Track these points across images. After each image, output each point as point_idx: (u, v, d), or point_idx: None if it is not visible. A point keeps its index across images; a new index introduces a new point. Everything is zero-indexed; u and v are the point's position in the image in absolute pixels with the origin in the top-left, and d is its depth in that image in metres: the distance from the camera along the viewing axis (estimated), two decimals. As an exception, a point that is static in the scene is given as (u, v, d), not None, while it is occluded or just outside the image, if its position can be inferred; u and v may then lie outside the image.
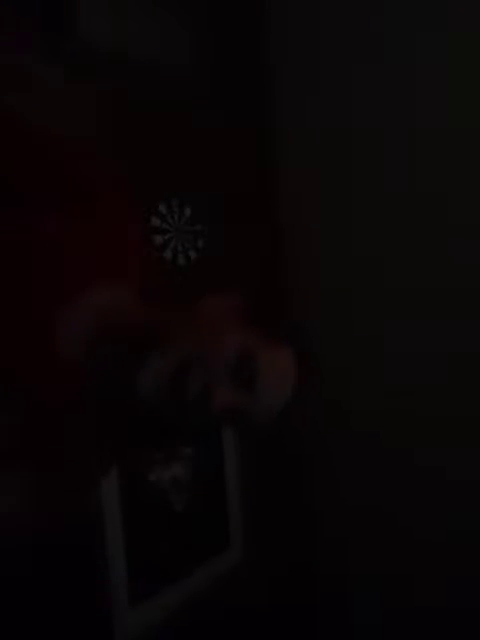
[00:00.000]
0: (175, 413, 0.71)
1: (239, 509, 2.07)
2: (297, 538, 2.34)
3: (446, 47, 2.01)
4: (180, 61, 1.88)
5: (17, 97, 1.43)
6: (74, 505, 0.95)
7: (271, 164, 2.27)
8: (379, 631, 2.24)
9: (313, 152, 2.24)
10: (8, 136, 0.83)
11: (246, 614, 2.09)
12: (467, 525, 2.09)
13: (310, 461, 2.34)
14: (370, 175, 2.16)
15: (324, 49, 2.19)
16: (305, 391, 0.75)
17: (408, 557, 2.18)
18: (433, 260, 2.09)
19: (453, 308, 2.07)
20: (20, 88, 1.47)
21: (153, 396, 0.70)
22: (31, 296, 0.76)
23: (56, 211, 0.80)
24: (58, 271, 0.78)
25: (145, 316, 0.77)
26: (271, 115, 2.27)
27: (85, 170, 0.87)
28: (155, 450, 1.65)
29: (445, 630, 2.12)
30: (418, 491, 2.16)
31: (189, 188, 1.94)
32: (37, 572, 1.50)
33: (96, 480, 1.00)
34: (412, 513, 2.17)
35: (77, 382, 0.75)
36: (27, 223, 0.78)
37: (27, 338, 0.75)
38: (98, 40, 1.64)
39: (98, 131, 1.66)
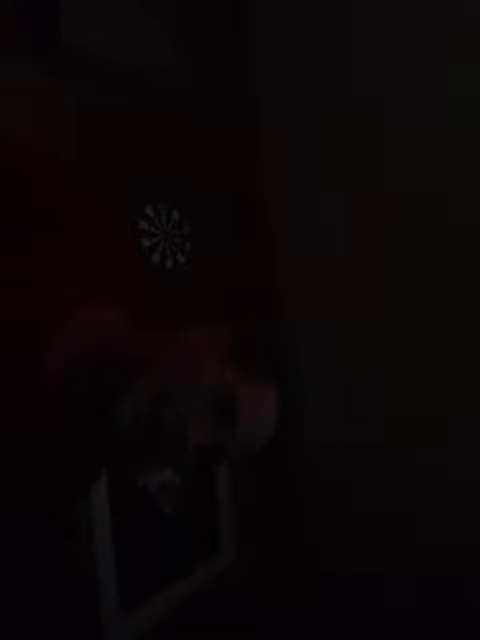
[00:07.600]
0: (148, 445, 0.70)
1: (230, 511, 2.06)
2: (289, 540, 2.33)
3: (446, 58, 2.01)
4: (163, 63, 1.87)
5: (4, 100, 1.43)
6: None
7: (258, 165, 2.26)
8: (372, 632, 2.24)
9: (301, 152, 2.23)
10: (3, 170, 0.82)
11: (238, 617, 2.09)
12: (464, 524, 2.09)
13: (302, 462, 2.34)
14: (362, 175, 2.15)
15: (313, 46, 2.17)
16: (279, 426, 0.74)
17: (404, 558, 2.18)
18: (432, 261, 2.08)
19: (452, 309, 2.07)
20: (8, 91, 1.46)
21: (130, 425, 0.69)
22: (17, 320, 0.75)
23: (43, 237, 0.79)
24: (45, 295, 0.77)
25: (129, 342, 0.76)
26: (258, 115, 2.25)
27: (75, 200, 0.86)
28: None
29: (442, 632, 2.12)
30: (415, 492, 2.16)
31: (177, 190, 1.93)
32: (24, 577, 1.49)
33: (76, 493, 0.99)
34: (408, 514, 2.17)
35: (58, 405, 0.74)
36: (14, 250, 0.77)
37: (11, 360, 0.74)
38: (81, 42, 1.62)
39: (83, 135, 1.65)
